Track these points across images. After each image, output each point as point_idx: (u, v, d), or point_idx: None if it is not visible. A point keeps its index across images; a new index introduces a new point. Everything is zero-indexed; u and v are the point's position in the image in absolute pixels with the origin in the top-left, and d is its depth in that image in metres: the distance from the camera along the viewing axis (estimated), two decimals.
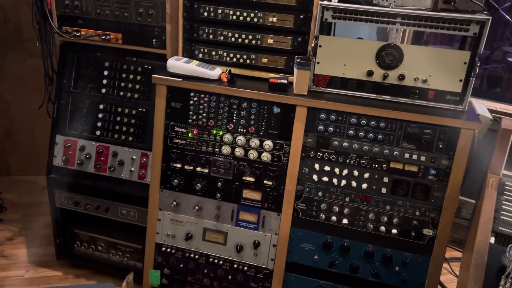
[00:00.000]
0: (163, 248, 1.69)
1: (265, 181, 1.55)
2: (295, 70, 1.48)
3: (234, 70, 1.61)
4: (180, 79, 1.55)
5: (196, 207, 1.63)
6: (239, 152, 1.55)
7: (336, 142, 1.46)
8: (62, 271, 2.04)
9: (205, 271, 1.67)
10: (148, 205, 1.70)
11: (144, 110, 1.78)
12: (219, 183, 1.59)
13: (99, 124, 1.82)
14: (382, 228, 1.46)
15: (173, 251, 1.69)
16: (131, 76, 1.78)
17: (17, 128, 2.86)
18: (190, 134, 1.59)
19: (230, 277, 1.65)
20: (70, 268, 2.06)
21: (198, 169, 1.60)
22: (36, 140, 2.90)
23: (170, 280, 1.72)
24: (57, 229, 1.98)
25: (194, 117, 1.57)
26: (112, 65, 1.79)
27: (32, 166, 2.94)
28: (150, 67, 1.76)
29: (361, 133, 1.44)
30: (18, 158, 2.91)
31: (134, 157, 1.79)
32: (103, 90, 1.80)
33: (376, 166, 1.45)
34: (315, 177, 1.50)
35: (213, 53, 1.66)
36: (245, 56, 1.63)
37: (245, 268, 1.63)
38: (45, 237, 2.27)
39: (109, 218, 1.89)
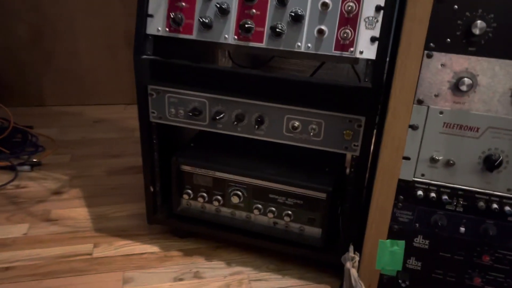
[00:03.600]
0: (419, 191, 0.75)
1: None
2: None
3: None
4: None
5: None
6: None
7: None
8: (158, 244, 1.13)
9: None
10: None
11: None
12: None
13: None
14: None
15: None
16: None
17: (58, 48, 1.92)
18: None
19: None
20: (172, 238, 1.15)
21: None
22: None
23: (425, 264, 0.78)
24: (152, 169, 1.06)
25: None
26: None
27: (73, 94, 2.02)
28: None
29: None
30: (54, 83, 1.98)
31: None
32: None
33: None
34: None
35: None
36: None
37: None
38: (114, 189, 1.37)
39: None
